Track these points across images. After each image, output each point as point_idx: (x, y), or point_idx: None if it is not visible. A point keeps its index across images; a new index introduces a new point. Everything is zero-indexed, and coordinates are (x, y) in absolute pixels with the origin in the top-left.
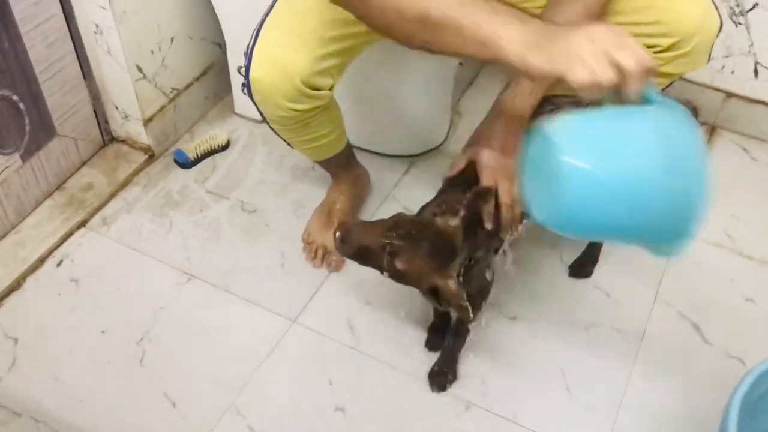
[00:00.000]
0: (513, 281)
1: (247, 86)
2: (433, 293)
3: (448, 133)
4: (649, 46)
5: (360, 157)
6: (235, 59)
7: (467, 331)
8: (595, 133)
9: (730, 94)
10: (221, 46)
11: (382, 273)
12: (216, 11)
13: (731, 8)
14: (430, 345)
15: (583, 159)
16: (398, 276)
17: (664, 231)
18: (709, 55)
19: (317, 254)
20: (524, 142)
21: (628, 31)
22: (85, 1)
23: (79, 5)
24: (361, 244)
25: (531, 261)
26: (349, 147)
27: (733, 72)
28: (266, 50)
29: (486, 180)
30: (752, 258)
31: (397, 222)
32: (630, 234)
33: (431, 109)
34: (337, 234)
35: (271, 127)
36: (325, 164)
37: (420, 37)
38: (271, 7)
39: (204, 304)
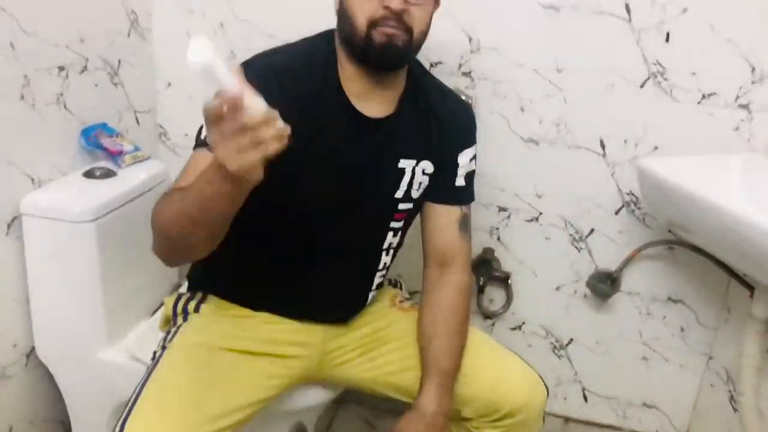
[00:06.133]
0: None
1: None
2: None
3: None
4: (485, 415)
5: None
6: None
7: None
8: None
9: (567, 419)
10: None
11: None
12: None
13: (551, 343)
14: None
15: None
16: None
17: None
18: (543, 417)
19: None
20: None
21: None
22: None
23: None
24: None
25: None
26: None
27: (565, 398)
28: None
29: None
30: None
31: None
32: None
33: None
34: None
35: None
36: None
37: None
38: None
39: None
